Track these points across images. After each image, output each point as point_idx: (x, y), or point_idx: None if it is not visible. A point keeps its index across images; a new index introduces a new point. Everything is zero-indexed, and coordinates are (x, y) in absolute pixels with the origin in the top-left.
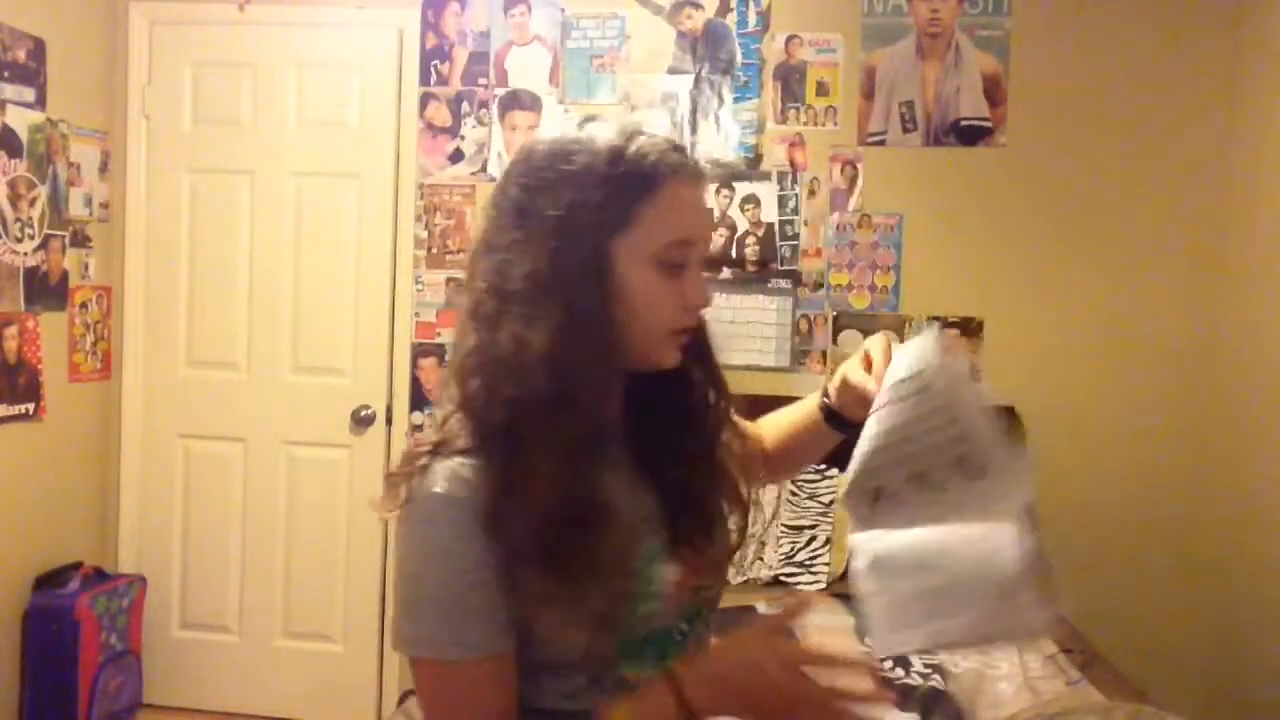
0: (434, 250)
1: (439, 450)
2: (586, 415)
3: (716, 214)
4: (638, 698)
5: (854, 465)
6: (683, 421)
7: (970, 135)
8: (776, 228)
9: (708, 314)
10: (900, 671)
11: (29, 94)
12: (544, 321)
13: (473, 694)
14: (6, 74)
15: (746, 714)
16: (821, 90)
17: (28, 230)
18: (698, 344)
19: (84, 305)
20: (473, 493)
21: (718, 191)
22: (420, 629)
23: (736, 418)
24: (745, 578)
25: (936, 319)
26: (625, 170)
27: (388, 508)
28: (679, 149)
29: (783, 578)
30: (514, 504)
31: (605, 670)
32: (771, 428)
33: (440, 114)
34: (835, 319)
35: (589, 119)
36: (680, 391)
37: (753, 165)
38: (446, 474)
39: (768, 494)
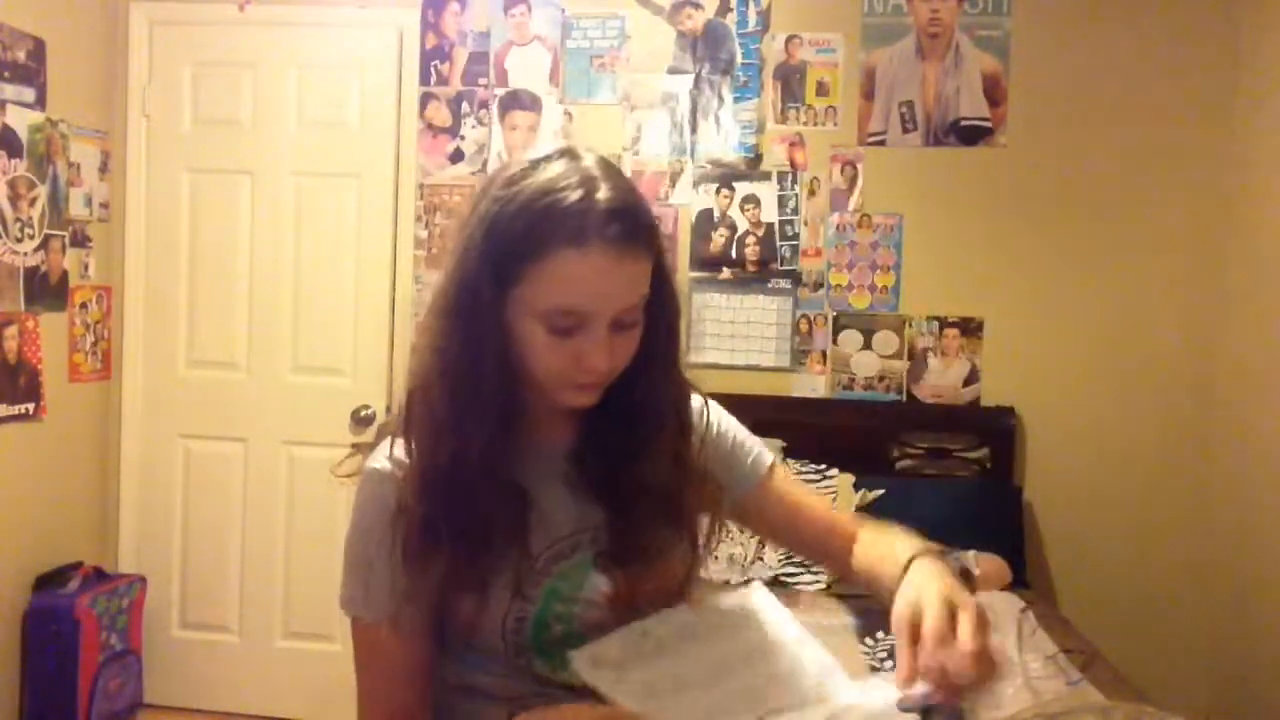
0: (434, 250)
1: (397, 431)
2: (460, 426)
3: (717, 214)
4: None
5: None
6: (626, 454)
7: (970, 135)
8: (776, 228)
9: (722, 313)
10: None
11: (29, 94)
12: (430, 340)
13: (378, 654)
14: (6, 74)
15: None
16: (821, 90)
17: (28, 230)
18: (636, 392)
19: (84, 305)
20: (402, 471)
21: (718, 192)
22: (344, 586)
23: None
24: (746, 578)
25: (936, 319)
26: (521, 228)
27: (343, 471)
28: (613, 214)
29: (783, 578)
30: (413, 490)
31: (520, 661)
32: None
33: (440, 114)
34: (835, 319)
35: (559, 153)
36: (627, 427)
37: (753, 165)
38: (387, 452)
39: None
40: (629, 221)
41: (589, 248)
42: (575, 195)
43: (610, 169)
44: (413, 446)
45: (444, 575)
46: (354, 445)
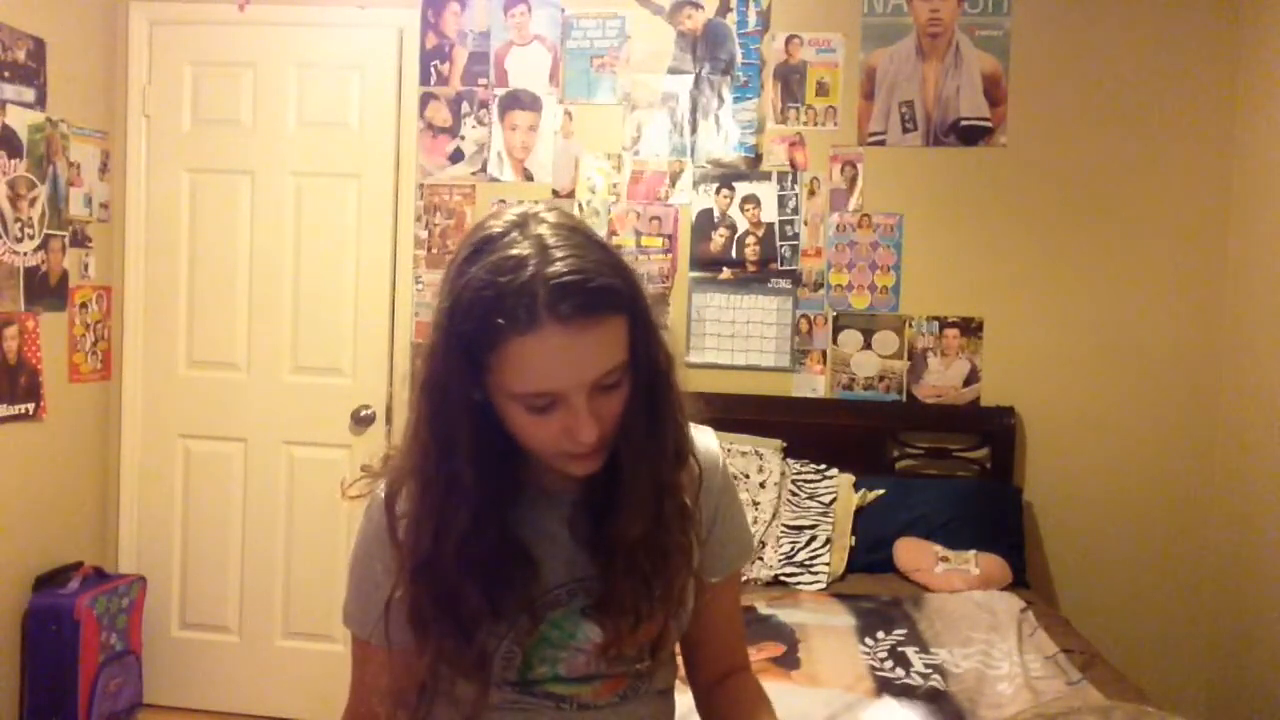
0: (434, 250)
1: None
2: (435, 521)
3: (717, 214)
4: None
5: None
6: (610, 509)
7: (970, 135)
8: (776, 228)
9: (722, 313)
10: (900, 671)
11: (29, 94)
12: (409, 429)
13: (368, 670)
14: (6, 74)
15: None
16: (821, 90)
17: (28, 230)
18: (618, 453)
19: (84, 305)
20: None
21: (718, 191)
22: (346, 600)
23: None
24: (746, 578)
25: (936, 319)
26: (476, 320)
27: (353, 493)
28: (564, 289)
29: (783, 578)
30: (402, 574)
31: (514, 692)
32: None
33: (440, 114)
34: (835, 319)
35: (511, 224)
36: (612, 481)
37: (753, 165)
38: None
39: (767, 494)
40: (582, 293)
41: (541, 331)
42: (522, 278)
43: (565, 233)
44: (397, 533)
45: (433, 656)
46: (363, 467)
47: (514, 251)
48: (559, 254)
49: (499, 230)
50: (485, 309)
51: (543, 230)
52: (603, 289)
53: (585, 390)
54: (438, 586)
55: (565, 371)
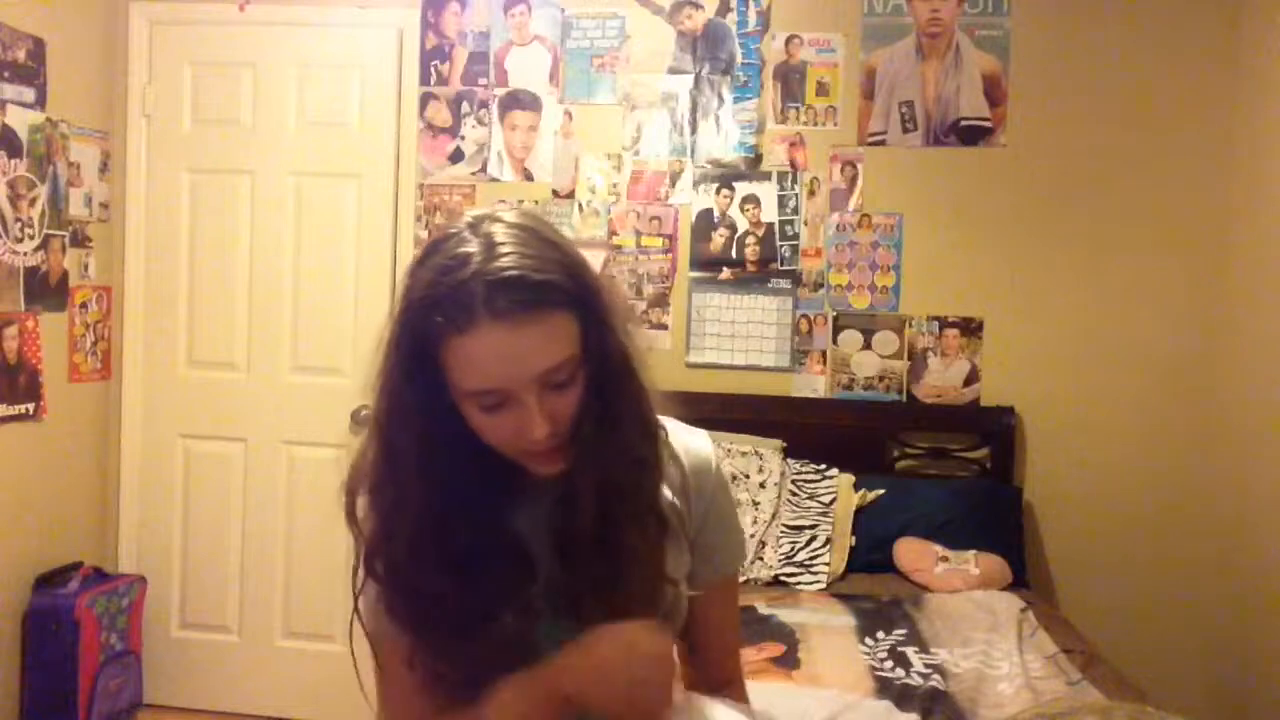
0: None
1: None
2: (393, 489)
3: (717, 214)
4: (523, 681)
5: None
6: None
7: (970, 135)
8: (776, 228)
9: (722, 313)
10: (900, 671)
11: (29, 94)
12: (364, 440)
13: (381, 668)
14: (6, 74)
15: (620, 704)
16: (821, 90)
17: (28, 230)
18: (572, 451)
19: (84, 305)
20: None
21: (718, 191)
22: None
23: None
24: (746, 578)
25: (936, 319)
26: (420, 321)
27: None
28: (501, 285)
29: (783, 577)
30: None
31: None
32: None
33: (440, 114)
34: (835, 319)
35: (468, 225)
36: (576, 496)
37: (753, 165)
38: None
39: (767, 494)
40: (521, 289)
41: (477, 329)
42: (462, 275)
43: (516, 231)
44: (358, 526)
45: (412, 646)
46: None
47: (460, 250)
48: (503, 250)
49: (453, 230)
50: (428, 308)
51: (494, 229)
52: (544, 284)
53: (533, 388)
54: (399, 581)
55: (506, 368)
